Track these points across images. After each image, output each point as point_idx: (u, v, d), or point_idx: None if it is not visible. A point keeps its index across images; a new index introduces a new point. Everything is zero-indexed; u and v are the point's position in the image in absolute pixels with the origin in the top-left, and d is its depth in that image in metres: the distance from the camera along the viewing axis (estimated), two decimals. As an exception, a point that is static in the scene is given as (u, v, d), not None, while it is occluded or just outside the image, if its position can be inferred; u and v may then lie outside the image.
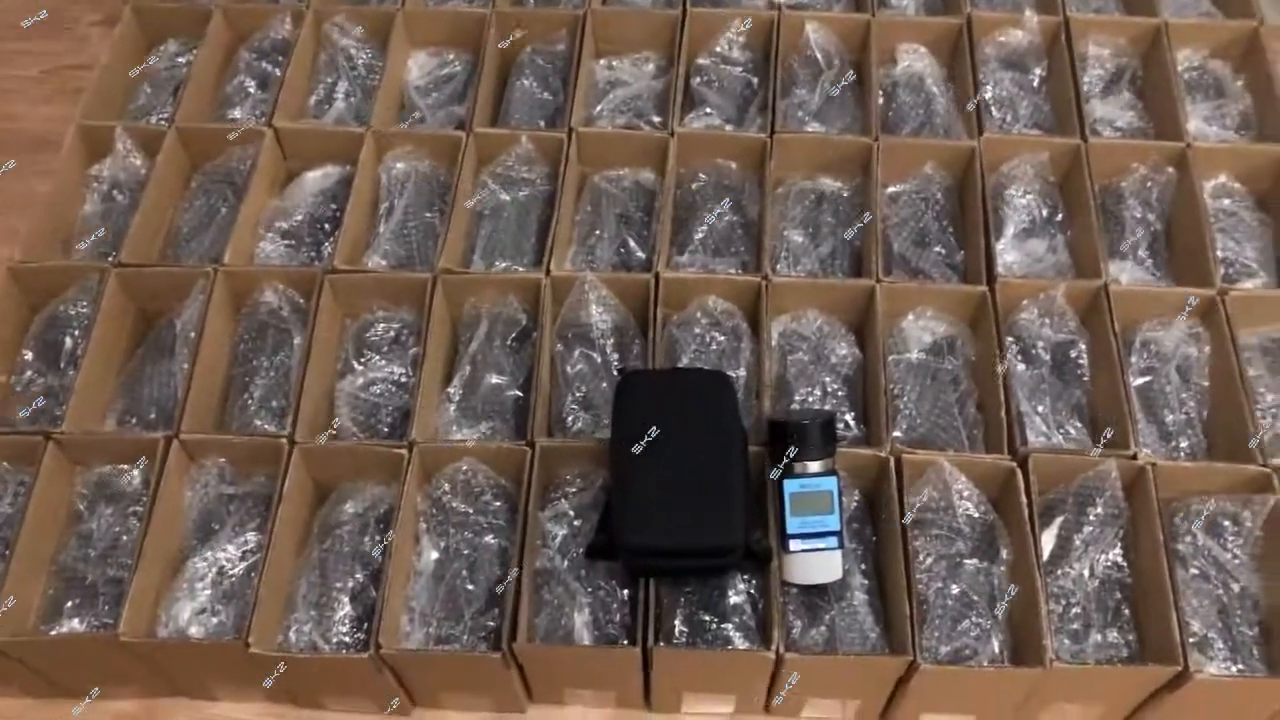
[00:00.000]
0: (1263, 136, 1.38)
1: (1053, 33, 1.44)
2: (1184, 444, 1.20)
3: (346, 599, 1.12)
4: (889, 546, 1.10)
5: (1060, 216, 1.33)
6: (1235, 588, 1.10)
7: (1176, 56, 1.43)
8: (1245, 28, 1.42)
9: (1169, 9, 1.46)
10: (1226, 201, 1.34)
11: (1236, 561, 1.10)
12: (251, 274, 1.27)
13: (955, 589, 1.10)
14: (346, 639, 1.10)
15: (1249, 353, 1.24)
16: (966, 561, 1.11)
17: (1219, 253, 1.29)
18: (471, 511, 1.14)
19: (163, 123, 1.38)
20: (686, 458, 1.04)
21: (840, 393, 1.24)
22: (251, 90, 1.46)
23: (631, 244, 1.34)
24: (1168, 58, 1.39)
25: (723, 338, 1.25)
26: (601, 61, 1.48)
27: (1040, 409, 1.20)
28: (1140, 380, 1.23)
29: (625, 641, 1.07)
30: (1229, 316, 1.20)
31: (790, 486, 1.07)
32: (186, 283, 1.26)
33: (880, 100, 1.43)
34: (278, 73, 1.43)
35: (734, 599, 1.10)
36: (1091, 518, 1.11)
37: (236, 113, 1.44)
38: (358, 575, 1.13)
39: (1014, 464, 1.11)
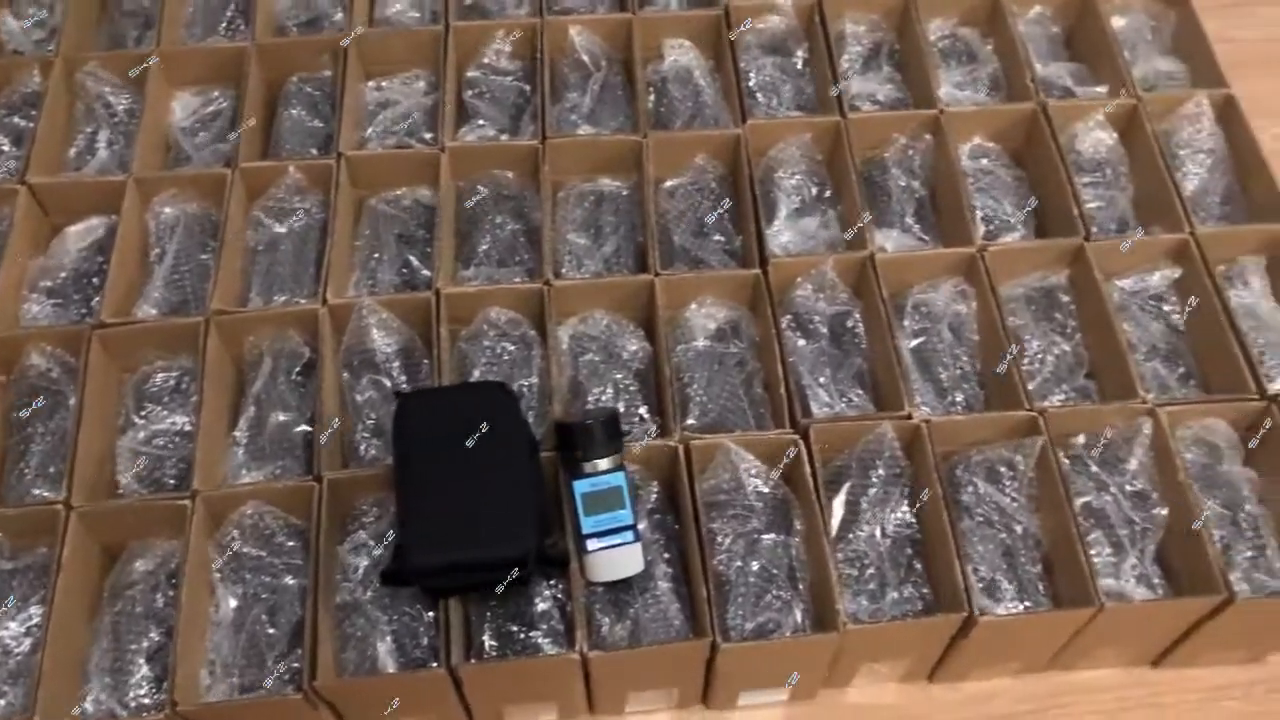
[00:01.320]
0: (1011, 96, 1.44)
1: (808, 15, 1.48)
2: (960, 398, 1.24)
3: (143, 660, 1.08)
4: (686, 532, 1.12)
5: (829, 193, 1.37)
6: (1018, 529, 1.15)
7: (928, 27, 1.49)
8: (987, -6, 1.49)
9: (916, -18, 1.52)
10: (984, 161, 1.40)
11: (1015, 504, 1.15)
12: (15, 338, 1.22)
13: (755, 565, 1.12)
14: (146, 701, 1.07)
15: (1014, 304, 1.30)
16: (763, 537, 1.13)
17: (979, 211, 1.35)
18: (265, 554, 1.12)
19: (-92, 191, 1.32)
20: (470, 472, 1.03)
21: (633, 388, 1.25)
22: (5, 148, 1.40)
23: (415, 263, 1.33)
24: (918, 29, 1.45)
25: (513, 347, 1.25)
26: (371, 83, 1.47)
27: (822, 380, 1.23)
28: (915, 342, 1.27)
29: (434, 664, 1.07)
30: (989, 271, 1.25)
31: (580, 487, 1.08)
32: (-55, 355, 1.21)
33: (652, 96, 1.45)
34: (30, 127, 1.38)
35: (541, 606, 1.11)
36: (874, 480, 1.15)
37: (-11, 172, 1.38)
38: (153, 635, 1.09)
39: (796, 437, 1.14)
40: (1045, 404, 1.22)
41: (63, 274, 1.31)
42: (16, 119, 1.41)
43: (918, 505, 1.16)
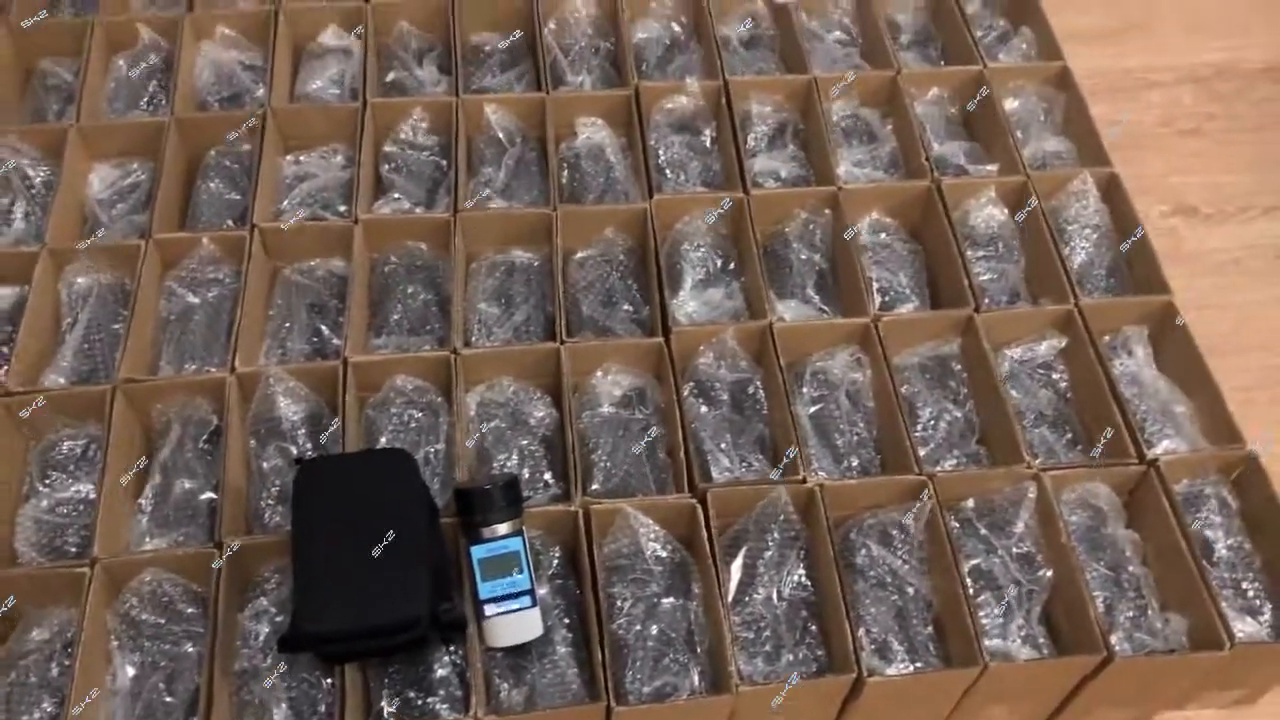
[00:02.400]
0: (909, 174, 1.50)
1: (715, 96, 1.54)
2: (856, 463, 1.28)
3: (35, 731, 1.08)
4: (586, 597, 1.14)
5: (733, 265, 1.42)
6: (910, 591, 1.18)
7: (831, 108, 1.55)
8: (886, 77, 1.56)
9: (820, 65, 1.58)
10: (882, 235, 1.46)
11: (907, 567, 1.18)
12: (-80, 407, 1.22)
13: (654, 629, 1.14)
14: (38, 773, 1.06)
15: (909, 372, 1.34)
16: (662, 601, 1.16)
17: (876, 283, 1.40)
18: (165, 622, 1.12)
19: None
20: (367, 538, 1.05)
21: (539, 454, 1.27)
22: (-81, 219, 1.42)
23: (326, 332, 1.35)
24: (820, 109, 1.51)
25: (420, 414, 1.27)
26: (289, 157, 1.50)
27: (723, 445, 1.27)
28: (813, 408, 1.31)
29: (331, 731, 1.07)
30: (884, 341, 1.30)
31: (478, 552, 1.10)
32: None
33: (564, 172, 1.50)
34: (-52, 199, 1.40)
35: (440, 672, 1.12)
36: (771, 543, 1.18)
37: (-97, 243, 1.39)
38: (45, 706, 1.09)
39: (694, 501, 1.17)
40: (936, 469, 1.25)
41: (-29, 343, 1.31)
42: (-68, 191, 1.43)
43: (811, 568, 1.18)
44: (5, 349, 1.31)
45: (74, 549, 1.19)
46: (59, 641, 1.12)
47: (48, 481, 1.23)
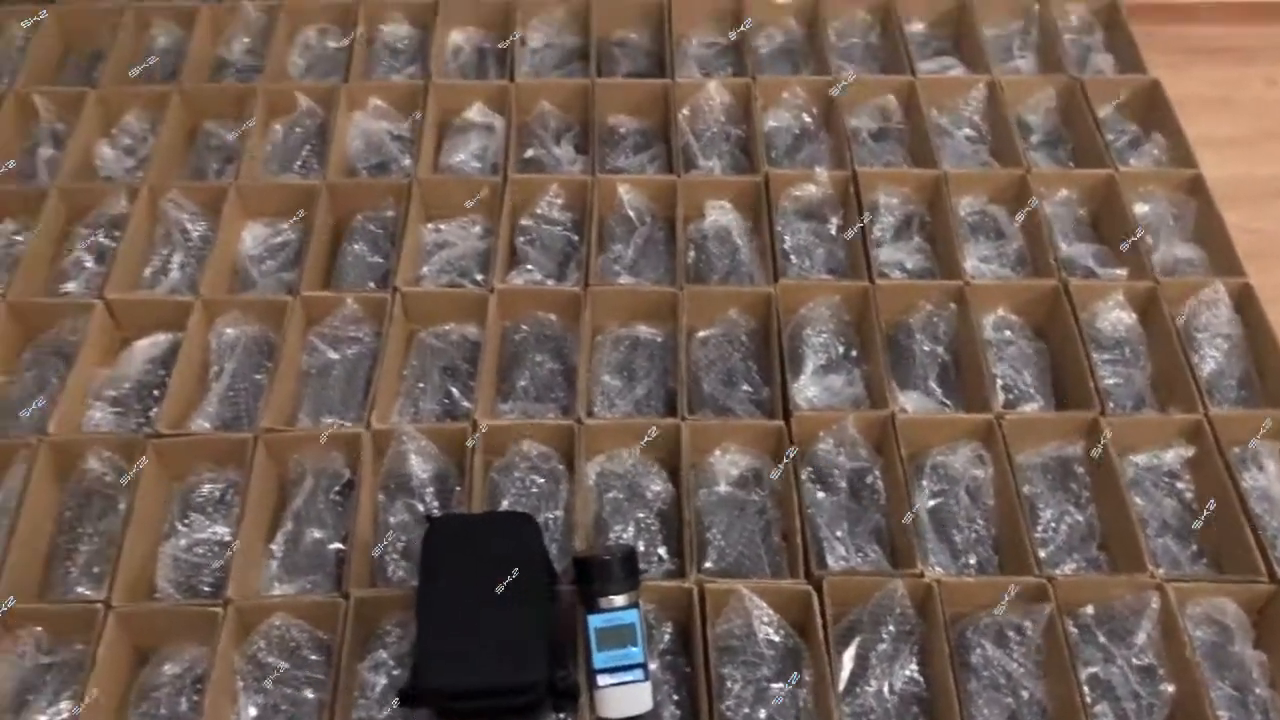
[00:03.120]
0: (1036, 272, 1.51)
1: (844, 185, 1.56)
2: (973, 560, 1.27)
3: (162, 763, 1.12)
4: (697, 676, 1.15)
5: (855, 353, 1.43)
6: (1024, 695, 1.16)
7: (958, 203, 1.57)
8: (1015, 175, 1.57)
9: (949, 161, 1.61)
10: (1006, 332, 1.46)
11: (1022, 670, 1.17)
12: (76, 442, 1.29)
13: (763, 713, 1.14)
14: (162, 804, 1.10)
15: (1031, 471, 1.33)
16: (772, 686, 1.16)
17: (1000, 379, 1.40)
18: (289, 666, 1.16)
19: (-5, 299, 1.42)
20: (491, 599, 1.08)
21: (654, 528, 1.29)
22: (87, 264, 1.50)
23: (456, 394, 1.40)
24: (949, 204, 1.53)
25: (542, 480, 1.31)
26: (430, 225, 1.57)
27: (839, 534, 1.27)
28: (933, 502, 1.31)
29: (441, 787, 1.09)
30: (1006, 439, 1.30)
31: (595, 621, 1.11)
32: (9, 454, 1.28)
33: (691, 252, 1.53)
34: (113, 246, 1.48)
35: (550, 737, 1.13)
36: (884, 636, 1.17)
37: (71, 286, 1.48)
38: (173, 738, 1.13)
39: (810, 588, 1.17)
40: (1056, 572, 1.24)
41: (126, 384, 1.39)
42: (101, 238, 1.52)
43: (924, 663, 1.17)
44: (156, 392, 1.38)
45: (208, 588, 1.24)
46: (189, 677, 1.16)
47: (187, 522, 1.28)
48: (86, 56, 1.78)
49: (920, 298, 1.45)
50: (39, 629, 1.17)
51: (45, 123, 1.65)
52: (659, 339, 1.45)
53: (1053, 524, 1.30)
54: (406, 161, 1.62)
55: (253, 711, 1.15)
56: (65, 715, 1.13)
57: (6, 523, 1.23)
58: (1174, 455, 1.33)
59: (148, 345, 1.41)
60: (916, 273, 1.52)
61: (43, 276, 1.49)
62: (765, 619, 1.17)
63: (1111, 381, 1.41)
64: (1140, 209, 1.57)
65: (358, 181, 1.59)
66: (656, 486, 1.31)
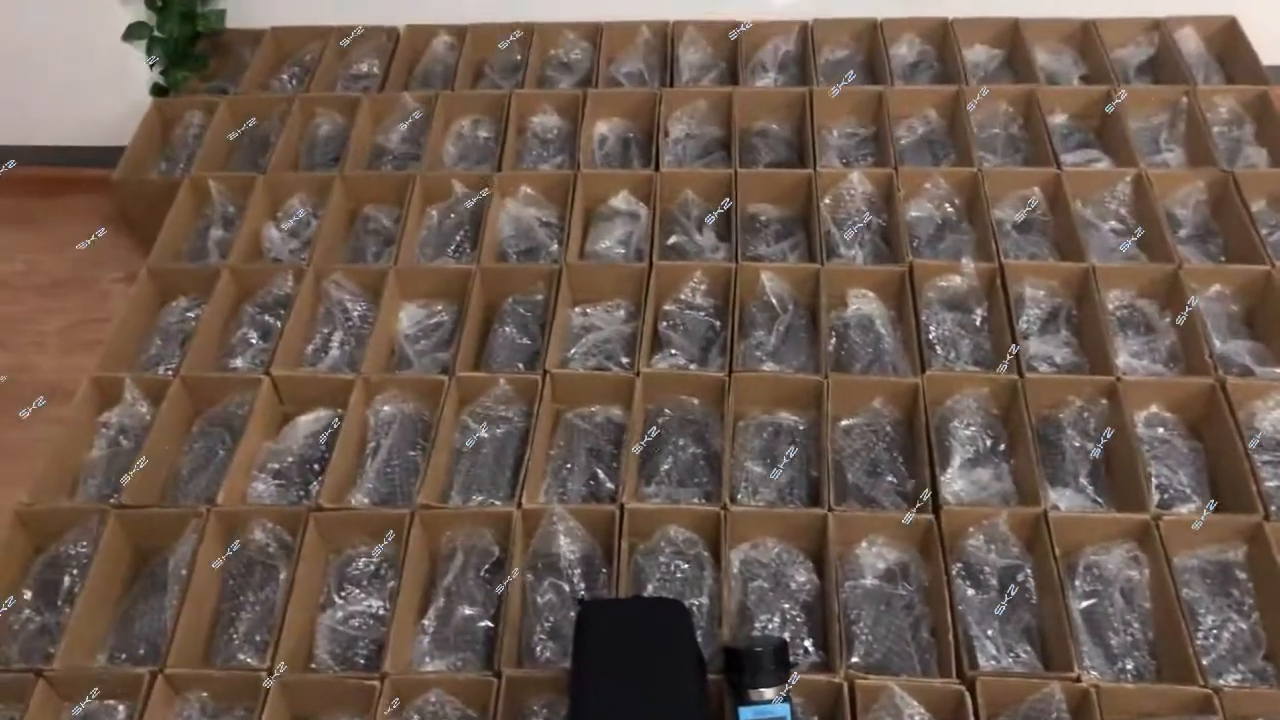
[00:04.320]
0: (1190, 369, 1.47)
1: (990, 277, 1.56)
2: (1130, 665, 1.23)
3: (318, 833, 1.14)
4: (846, 772, 1.13)
5: (1003, 446, 1.41)
6: (1189, 809, 1.12)
7: (1107, 296, 1.55)
8: (1166, 270, 1.55)
9: (1096, 254, 1.59)
10: (1160, 430, 1.43)
11: (1186, 784, 1.13)
12: (242, 513, 1.35)
13: (914, 815, 1.12)
14: None
15: (1188, 574, 1.30)
16: (924, 786, 1.14)
17: (1154, 479, 1.37)
18: (442, 743, 1.18)
19: (169, 372, 1.50)
20: (642, 687, 1.08)
21: (799, 619, 1.29)
22: (253, 341, 1.58)
23: (601, 476, 1.42)
24: (1097, 298, 1.51)
25: (686, 566, 1.32)
26: (577, 309, 1.61)
27: (990, 633, 1.25)
28: (1086, 603, 1.28)
29: None
30: (1164, 540, 1.27)
31: (745, 714, 1.11)
32: (181, 523, 1.35)
33: (833, 340, 1.54)
34: (278, 324, 1.56)
35: (696, 829, 1.12)
36: (1041, 741, 1.14)
37: (238, 361, 1.56)
38: (329, 809, 1.15)
39: (963, 688, 1.15)
40: (1221, 682, 1.19)
41: (289, 458, 1.45)
42: (266, 316, 1.60)
43: (1084, 773, 1.14)
44: (316, 466, 1.44)
45: (361, 660, 1.27)
46: (345, 750, 1.19)
47: (343, 594, 1.32)
48: (256, 143, 1.89)
49: (1070, 393, 1.44)
50: (204, 694, 1.22)
51: (218, 205, 1.75)
52: (801, 426, 1.46)
53: (1214, 631, 1.25)
54: (555, 247, 1.67)
55: (406, 786, 1.17)
56: (227, 780, 1.17)
57: (177, 589, 1.28)
58: (1343, 563, 1.28)
59: (310, 420, 1.48)
60: (1066, 367, 1.50)
61: (213, 352, 1.57)
62: (916, 718, 1.15)
63: (1273, 484, 1.36)
64: (1299, 306, 1.53)
65: (509, 266, 1.65)
66: (801, 577, 1.31)
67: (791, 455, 1.43)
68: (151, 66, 2.00)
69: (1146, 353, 1.51)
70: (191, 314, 1.63)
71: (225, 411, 1.49)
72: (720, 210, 1.68)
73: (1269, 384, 1.42)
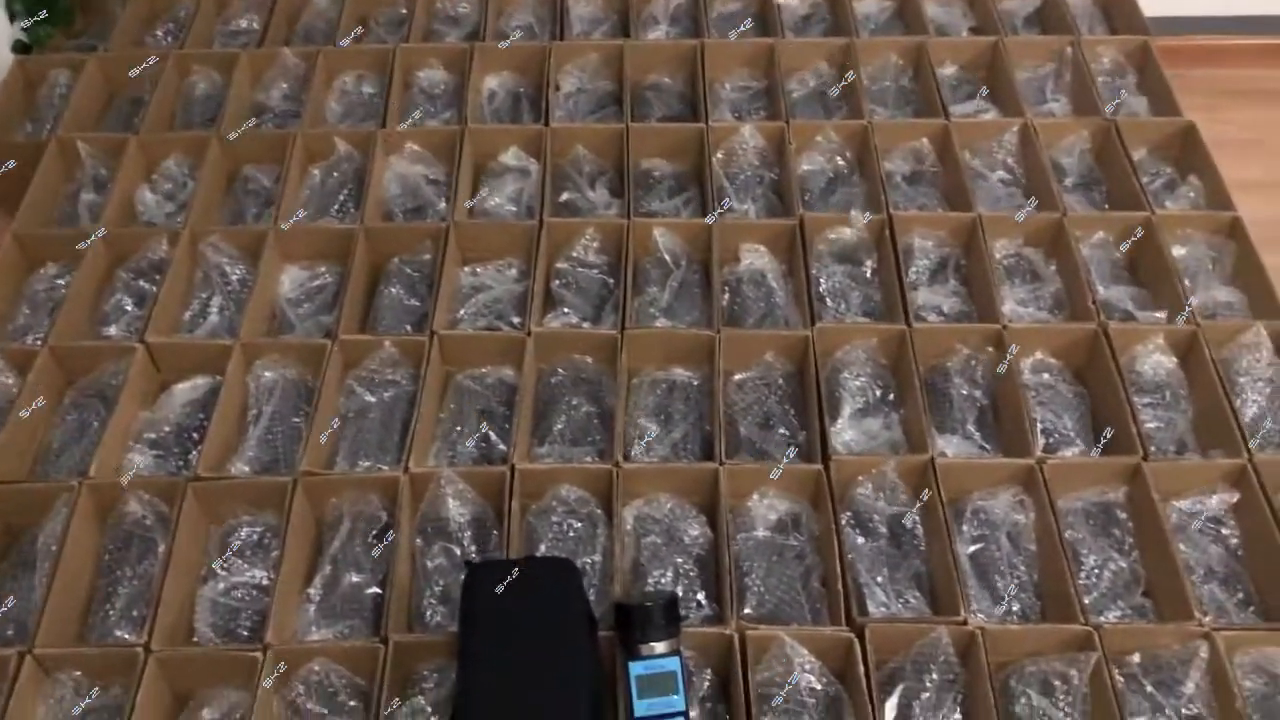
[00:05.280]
0: (1074, 315, 1.50)
1: (879, 229, 1.56)
2: (1016, 607, 1.26)
3: (199, 809, 1.11)
4: (738, 724, 1.13)
5: (892, 396, 1.42)
6: (1070, 745, 1.14)
7: (993, 246, 1.57)
8: (1052, 219, 1.57)
9: (984, 204, 1.61)
10: (1045, 376, 1.45)
11: (1068, 719, 1.15)
12: (117, 485, 1.30)
13: (805, 762, 1.13)
14: None
15: (1072, 516, 1.32)
16: (814, 734, 1.14)
17: (1039, 424, 1.39)
18: (327, 712, 1.15)
19: (37, 342, 1.43)
20: (531, 647, 1.07)
21: (692, 573, 1.28)
22: (128, 307, 1.52)
23: (493, 438, 1.40)
24: (984, 247, 1.52)
25: (579, 524, 1.30)
26: (466, 269, 1.58)
27: (879, 579, 1.26)
28: (973, 548, 1.29)
29: (479, 838, 1.08)
30: (1048, 483, 1.29)
31: (635, 668, 1.10)
32: (51, 497, 1.29)
33: (725, 295, 1.54)
34: (154, 290, 1.49)
35: (589, 787, 1.12)
36: (928, 684, 1.16)
37: (112, 329, 1.49)
38: (211, 786, 1.12)
39: (851, 635, 1.16)
40: (1101, 620, 1.22)
41: (166, 427, 1.39)
42: (141, 282, 1.54)
43: (967, 712, 1.16)
44: (195, 435, 1.39)
45: (246, 632, 1.23)
46: (227, 723, 1.16)
47: (225, 565, 1.28)
48: (128, 103, 1.81)
49: (957, 341, 1.45)
50: (78, 673, 1.17)
51: (88, 168, 1.67)
52: (695, 382, 1.45)
53: (1096, 570, 1.28)
54: (442, 205, 1.63)
55: (291, 759, 1.14)
56: (104, 760, 1.13)
57: (48, 566, 1.23)
58: (1218, 500, 1.32)
59: (187, 388, 1.42)
60: (954, 316, 1.51)
61: (84, 320, 1.50)
62: (807, 666, 1.16)
63: (1153, 425, 1.39)
64: (1178, 251, 1.56)
65: (394, 226, 1.60)
66: (694, 531, 1.31)
67: (684, 411, 1.42)
68: (12, 22, 1.90)
69: (1032, 300, 1.53)
70: (61, 281, 1.55)
71: (99, 381, 1.43)
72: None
73: (1149, 328, 1.45)
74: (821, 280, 1.53)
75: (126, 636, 1.21)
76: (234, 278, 1.54)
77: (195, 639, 1.23)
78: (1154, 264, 1.54)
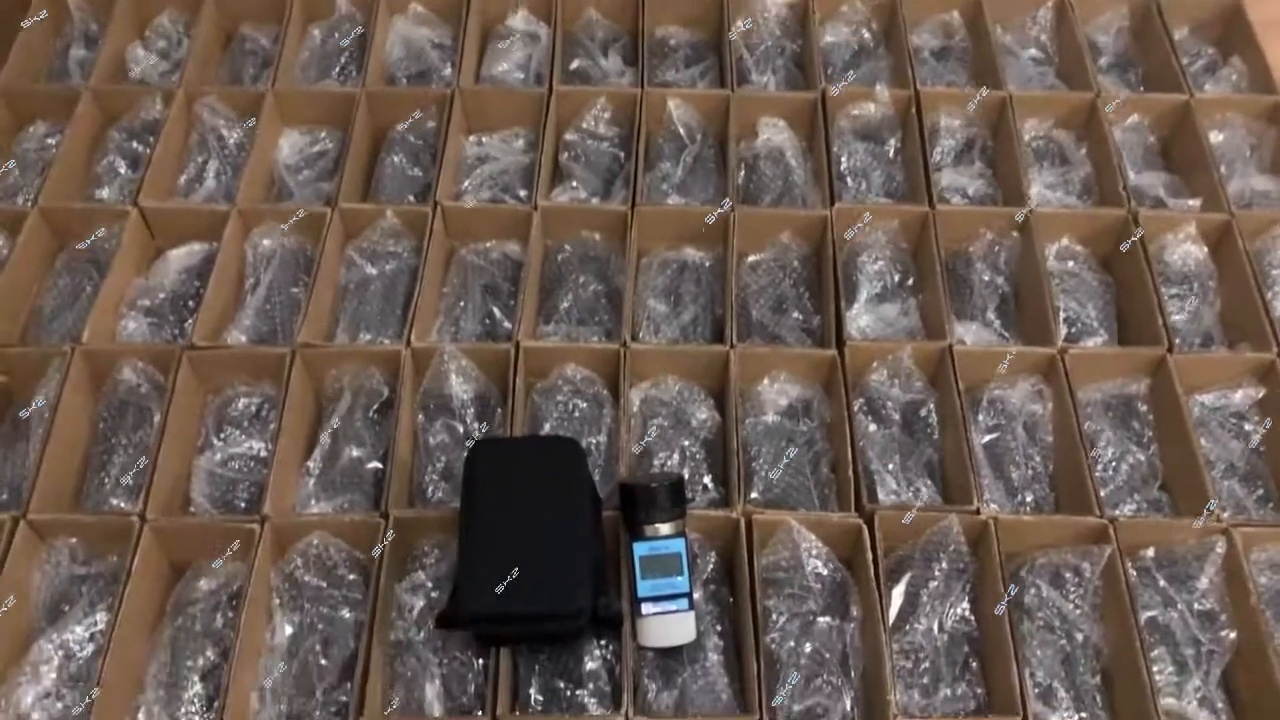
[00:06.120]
0: (1103, 201, 1.44)
1: (905, 106, 1.49)
2: (1030, 498, 1.23)
3: (197, 678, 1.10)
4: (742, 606, 1.12)
5: (912, 281, 1.38)
6: (1078, 637, 1.13)
7: (1023, 126, 1.50)
8: (1084, 99, 1.49)
9: (1015, 82, 1.53)
10: (1070, 263, 1.40)
11: (1078, 612, 1.13)
12: (110, 352, 1.26)
13: (808, 647, 1.11)
14: (196, 718, 1.08)
15: (1092, 408, 1.29)
16: (819, 619, 1.13)
17: (1062, 312, 1.34)
18: (325, 585, 1.14)
19: (27, 203, 1.38)
20: (534, 524, 1.04)
21: (699, 456, 1.26)
22: (121, 170, 1.46)
23: (497, 314, 1.36)
24: (1013, 128, 1.46)
25: (585, 405, 1.27)
26: (472, 138, 1.51)
27: (890, 467, 1.23)
28: (988, 437, 1.26)
29: (479, 711, 1.07)
30: (1069, 374, 1.25)
31: (640, 549, 1.08)
32: (44, 362, 1.26)
33: (741, 172, 1.48)
34: (148, 152, 1.44)
35: (590, 665, 1.10)
36: (938, 573, 1.14)
37: (105, 193, 1.44)
38: (208, 654, 1.11)
39: (860, 522, 1.14)
40: (1116, 513, 1.19)
41: (161, 295, 1.35)
42: (135, 144, 1.48)
43: (976, 602, 1.14)
44: (191, 303, 1.35)
45: (243, 504, 1.21)
46: (224, 593, 1.15)
47: (222, 436, 1.26)
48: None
49: (981, 225, 1.39)
50: (74, 540, 1.15)
51: (78, 22, 1.60)
52: (707, 262, 1.40)
53: (1113, 463, 1.25)
54: (447, 71, 1.56)
55: (288, 630, 1.13)
56: (101, 626, 1.12)
57: (41, 432, 1.20)
58: (1242, 396, 1.28)
59: (183, 255, 1.38)
60: (978, 199, 1.45)
61: (76, 182, 1.45)
62: (814, 552, 1.13)
63: (1179, 317, 1.35)
64: (1215, 137, 1.49)
65: (397, 90, 1.53)
66: (702, 414, 1.27)
67: (695, 293, 1.37)
68: None
69: (1060, 184, 1.47)
70: (51, 140, 1.49)
71: (91, 246, 1.38)
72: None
73: (1180, 216, 1.39)
74: (842, 158, 1.47)
75: (122, 505, 1.19)
76: (231, 141, 1.48)
77: (192, 509, 1.21)
78: (1189, 149, 1.48)
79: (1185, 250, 1.38)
